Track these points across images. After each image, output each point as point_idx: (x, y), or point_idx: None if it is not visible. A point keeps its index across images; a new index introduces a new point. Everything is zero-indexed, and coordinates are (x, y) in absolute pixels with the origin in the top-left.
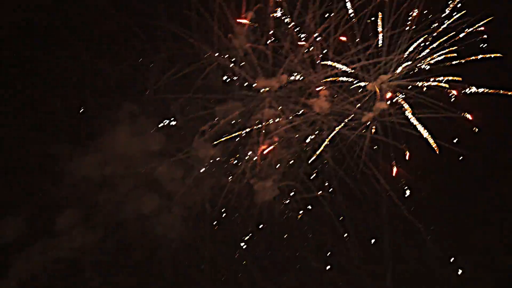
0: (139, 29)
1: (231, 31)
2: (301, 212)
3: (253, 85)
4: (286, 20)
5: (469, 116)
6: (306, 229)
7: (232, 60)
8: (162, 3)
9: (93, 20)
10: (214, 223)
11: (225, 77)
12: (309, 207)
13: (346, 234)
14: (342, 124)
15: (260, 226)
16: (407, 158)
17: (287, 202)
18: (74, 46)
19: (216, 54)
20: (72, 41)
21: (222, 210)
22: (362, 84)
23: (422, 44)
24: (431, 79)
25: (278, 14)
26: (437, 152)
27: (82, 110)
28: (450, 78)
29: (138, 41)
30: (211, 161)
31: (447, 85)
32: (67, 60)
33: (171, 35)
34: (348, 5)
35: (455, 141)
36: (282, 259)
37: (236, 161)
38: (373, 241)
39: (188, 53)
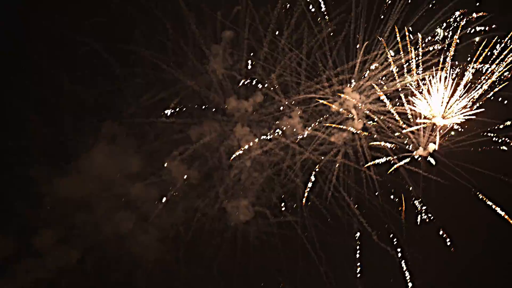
0: (116, 55)
1: (206, 57)
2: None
3: (225, 108)
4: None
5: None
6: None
7: (207, 84)
8: (139, 30)
9: (72, 45)
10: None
11: (199, 101)
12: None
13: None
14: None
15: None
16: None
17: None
18: (53, 72)
19: (191, 79)
20: (50, 67)
21: (196, 233)
22: (335, 107)
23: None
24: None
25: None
26: None
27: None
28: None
29: (116, 67)
30: (185, 183)
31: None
32: (46, 85)
33: (147, 60)
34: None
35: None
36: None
37: (209, 184)
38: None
39: (164, 78)
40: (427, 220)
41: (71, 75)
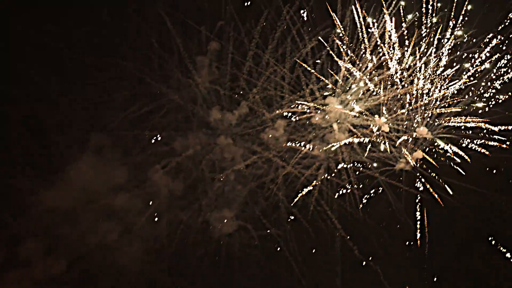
0: (103, 67)
1: (191, 70)
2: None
3: (210, 121)
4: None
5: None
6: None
7: (192, 98)
8: (125, 43)
9: (59, 57)
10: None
11: (184, 114)
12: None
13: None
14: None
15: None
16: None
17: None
18: (40, 83)
19: (176, 92)
20: (37, 78)
21: (180, 245)
22: (317, 119)
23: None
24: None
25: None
26: None
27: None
28: None
29: (102, 79)
30: (169, 195)
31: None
32: (32, 96)
33: (133, 73)
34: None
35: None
36: None
37: (193, 197)
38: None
39: (149, 91)
40: (410, 243)
41: (58, 86)
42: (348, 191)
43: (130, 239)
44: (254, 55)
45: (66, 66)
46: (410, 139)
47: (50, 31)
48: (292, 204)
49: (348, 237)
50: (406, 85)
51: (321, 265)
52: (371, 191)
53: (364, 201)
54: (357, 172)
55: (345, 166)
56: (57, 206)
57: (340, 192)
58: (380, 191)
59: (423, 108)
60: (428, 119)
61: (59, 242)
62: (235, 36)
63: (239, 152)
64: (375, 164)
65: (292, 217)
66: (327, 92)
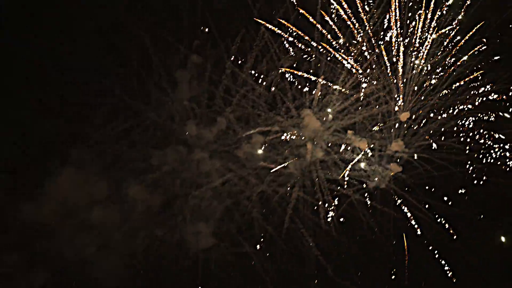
0: (83, 83)
1: (170, 87)
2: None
3: (187, 137)
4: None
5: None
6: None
7: (170, 114)
8: (106, 60)
9: (41, 72)
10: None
11: (162, 131)
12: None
13: None
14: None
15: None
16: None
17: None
18: (22, 97)
19: (154, 110)
20: (17, 93)
21: (156, 261)
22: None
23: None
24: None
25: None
26: None
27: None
28: None
29: (83, 95)
30: (146, 211)
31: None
32: (14, 109)
33: (113, 91)
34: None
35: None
36: None
37: (170, 212)
38: None
39: (129, 108)
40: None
41: (39, 101)
42: (323, 209)
43: (108, 255)
44: (231, 73)
45: (48, 81)
46: (385, 156)
47: (33, 47)
48: (266, 223)
49: (321, 255)
50: (382, 103)
51: (295, 284)
52: (346, 210)
53: (339, 219)
54: (332, 191)
55: (320, 184)
56: (37, 220)
57: (315, 210)
58: (354, 210)
59: (397, 125)
60: (404, 136)
61: (39, 256)
62: (213, 53)
63: (215, 168)
64: (350, 182)
65: (267, 235)
66: (304, 110)
